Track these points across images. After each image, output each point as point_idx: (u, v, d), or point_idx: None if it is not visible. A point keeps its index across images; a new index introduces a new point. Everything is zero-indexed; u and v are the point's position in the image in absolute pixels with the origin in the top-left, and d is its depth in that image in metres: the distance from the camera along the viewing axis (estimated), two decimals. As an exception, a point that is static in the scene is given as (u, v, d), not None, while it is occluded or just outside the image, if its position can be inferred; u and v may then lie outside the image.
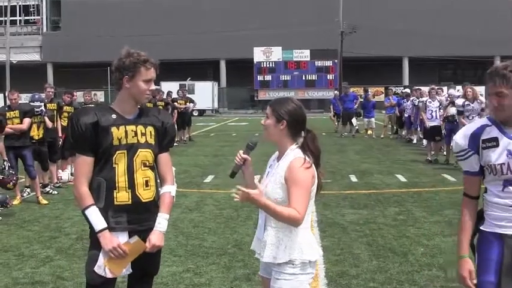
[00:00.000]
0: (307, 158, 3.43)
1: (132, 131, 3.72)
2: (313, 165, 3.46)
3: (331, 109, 28.36)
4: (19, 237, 8.40)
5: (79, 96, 20.44)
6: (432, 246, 7.53)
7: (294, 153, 3.47)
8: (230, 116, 49.72)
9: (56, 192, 11.96)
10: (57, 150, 12.75)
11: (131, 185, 3.68)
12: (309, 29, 53.91)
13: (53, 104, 12.82)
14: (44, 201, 10.88)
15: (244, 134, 27.62)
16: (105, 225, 3.61)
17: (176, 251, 7.41)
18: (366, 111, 25.74)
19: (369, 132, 25.68)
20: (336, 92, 31.61)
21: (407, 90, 25.87)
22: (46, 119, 11.89)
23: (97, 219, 3.61)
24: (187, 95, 25.89)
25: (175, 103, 23.22)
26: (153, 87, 3.76)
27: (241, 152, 3.72)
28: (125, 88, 3.71)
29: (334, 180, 12.86)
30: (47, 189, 11.96)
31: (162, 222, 3.76)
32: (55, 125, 12.64)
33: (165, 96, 22.69)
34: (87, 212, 3.62)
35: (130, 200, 3.68)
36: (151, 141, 3.78)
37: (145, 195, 3.73)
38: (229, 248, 7.54)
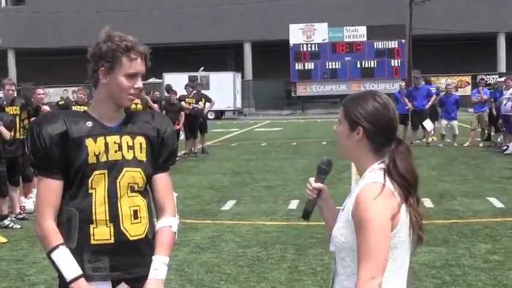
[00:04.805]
0: (387, 183, 3.15)
1: (114, 143, 3.71)
2: (397, 195, 3.15)
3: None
4: (-33, 289, 8.47)
5: (52, 94, 20.67)
6: (539, 297, 7.43)
7: (370, 176, 3.21)
8: (258, 119, 49.78)
9: (18, 227, 12.02)
10: (20, 170, 12.82)
11: (114, 217, 3.66)
12: (365, -3, 53.94)
13: (15, 107, 12.90)
14: (2, 239, 10.96)
15: (277, 144, 27.61)
16: (79, 271, 3.59)
17: (182, 307, 7.41)
18: (444, 109, 25.45)
19: (433, 138, 25.53)
20: (402, 83, 31.42)
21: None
22: (1, 128, 11.94)
23: (68, 265, 3.59)
24: (202, 92, 25.60)
25: (183, 102, 23.29)
26: (139, 84, 3.73)
27: (311, 180, 3.56)
28: (102, 84, 3.71)
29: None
30: (6, 222, 12.03)
31: (159, 267, 3.74)
32: (16, 135, 12.67)
33: (160, 93, 22.89)
34: (54, 255, 3.61)
35: (112, 238, 3.66)
36: (142, 157, 3.77)
37: (134, 230, 3.71)
38: (255, 301, 7.54)
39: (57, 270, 3.64)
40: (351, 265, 3.15)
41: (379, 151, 3.25)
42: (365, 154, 3.27)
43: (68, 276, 3.58)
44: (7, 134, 11.97)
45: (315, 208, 3.55)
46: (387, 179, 3.15)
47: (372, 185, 3.13)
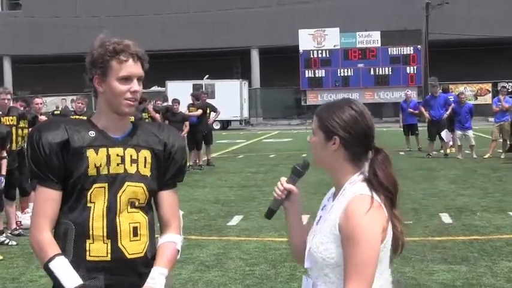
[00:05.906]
0: (375, 196, 3.16)
1: (117, 155, 3.68)
2: (383, 207, 3.18)
3: (401, 118, 28.06)
4: (-40, 309, 8.47)
5: (50, 103, 20.79)
6: None
7: (354, 188, 3.22)
8: (266, 129, 49.79)
9: (14, 243, 12.02)
10: (16, 183, 12.82)
11: (112, 233, 3.64)
12: (378, 0, 53.90)
13: (11, 117, 12.91)
14: (-3, 256, 10.97)
15: (286, 156, 27.60)
16: (79, 281, 3.54)
17: (186, 328, 7.40)
18: (457, 119, 25.34)
19: (451, 149, 25.50)
20: (407, 92, 31.33)
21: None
22: (2, 162, 11.91)
23: (67, 274, 3.55)
24: (207, 101, 25.64)
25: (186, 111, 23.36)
26: (136, 87, 3.68)
27: (283, 179, 3.57)
28: (99, 94, 3.71)
29: (417, 221, 12.73)
30: (2, 238, 12.04)
31: (156, 277, 3.68)
32: (13, 147, 12.68)
33: (159, 103, 22.97)
34: (52, 265, 3.56)
35: (109, 255, 3.64)
36: (146, 171, 3.74)
37: (132, 248, 3.69)
38: (264, 322, 7.52)
39: (55, 282, 3.57)
40: (336, 281, 3.18)
41: (357, 161, 3.28)
42: (342, 164, 3.29)
43: (68, 286, 3.53)
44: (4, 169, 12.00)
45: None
46: (373, 191, 3.18)
47: (360, 197, 3.15)
